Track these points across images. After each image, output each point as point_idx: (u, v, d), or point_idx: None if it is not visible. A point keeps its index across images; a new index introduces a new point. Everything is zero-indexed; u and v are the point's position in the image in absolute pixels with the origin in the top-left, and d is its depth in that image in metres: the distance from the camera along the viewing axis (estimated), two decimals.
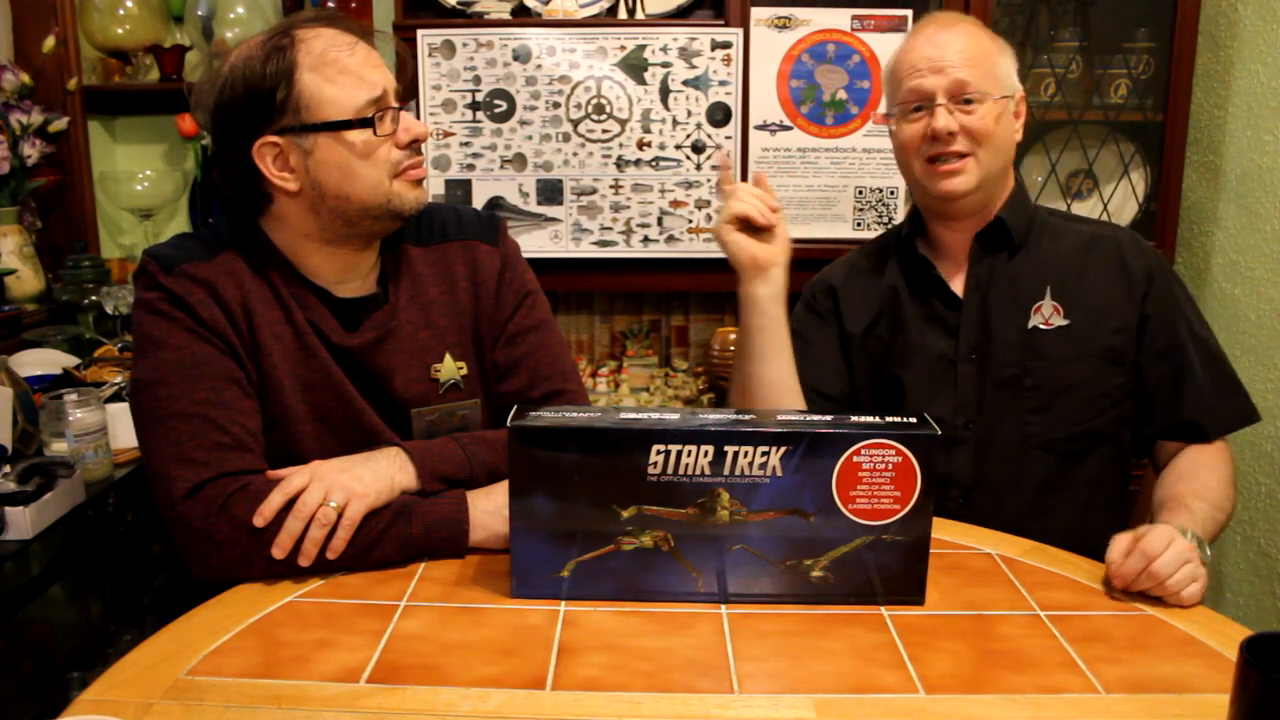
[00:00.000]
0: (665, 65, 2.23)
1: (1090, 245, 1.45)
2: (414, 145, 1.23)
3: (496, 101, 2.23)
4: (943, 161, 1.39)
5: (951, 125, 1.37)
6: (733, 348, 2.31)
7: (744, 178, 2.28)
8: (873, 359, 1.51)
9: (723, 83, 2.24)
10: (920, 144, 1.41)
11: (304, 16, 1.23)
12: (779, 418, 1.05)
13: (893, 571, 1.05)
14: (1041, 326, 1.42)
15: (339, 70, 1.18)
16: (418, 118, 1.28)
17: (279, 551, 1.09)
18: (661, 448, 1.01)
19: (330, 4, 2.45)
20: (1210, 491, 1.32)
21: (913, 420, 1.05)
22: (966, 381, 1.44)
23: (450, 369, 1.31)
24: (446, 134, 2.24)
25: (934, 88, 1.38)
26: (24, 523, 1.44)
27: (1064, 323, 1.41)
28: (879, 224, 2.31)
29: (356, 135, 1.19)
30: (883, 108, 1.52)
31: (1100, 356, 1.41)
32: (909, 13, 2.24)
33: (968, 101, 1.37)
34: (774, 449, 1.01)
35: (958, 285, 1.47)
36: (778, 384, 1.43)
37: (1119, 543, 1.10)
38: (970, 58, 1.38)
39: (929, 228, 1.50)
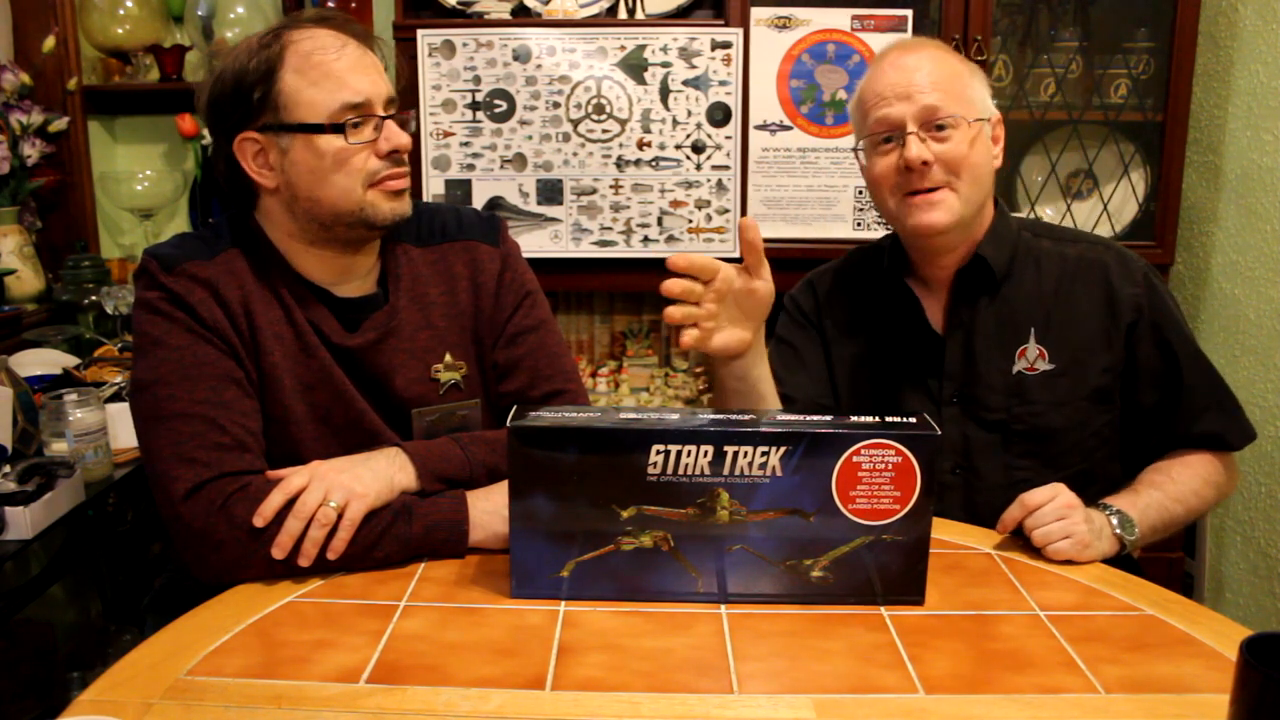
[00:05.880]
0: (665, 65, 2.23)
1: (1076, 273, 1.38)
2: (394, 155, 1.21)
3: (496, 101, 2.23)
4: (920, 194, 1.31)
5: (925, 154, 1.29)
6: None
7: (744, 178, 2.28)
8: (864, 400, 1.45)
9: (723, 83, 2.24)
10: (894, 178, 1.33)
11: (305, 16, 1.24)
12: (779, 418, 1.05)
13: (893, 571, 1.05)
14: (1026, 371, 1.36)
15: (322, 74, 1.18)
16: (414, 126, 1.26)
17: (279, 552, 1.09)
18: (661, 448, 1.01)
19: (330, 4, 2.44)
20: (1173, 484, 1.31)
21: (912, 420, 1.05)
22: (952, 425, 1.39)
23: (451, 370, 1.31)
24: (446, 134, 2.24)
25: (903, 115, 1.30)
26: (24, 523, 1.44)
27: (1049, 367, 1.36)
28: (879, 224, 2.31)
29: (329, 140, 1.18)
30: (852, 140, 1.42)
31: (1086, 399, 1.36)
32: (909, 13, 2.24)
33: (940, 128, 1.30)
34: (774, 449, 1.01)
35: (939, 322, 1.41)
36: None
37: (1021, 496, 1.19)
38: (939, 80, 1.31)
39: (911, 260, 1.43)
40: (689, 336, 1.22)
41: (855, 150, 1.41)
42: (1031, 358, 1.36)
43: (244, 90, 1.19)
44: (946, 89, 1.31)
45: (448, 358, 1.31)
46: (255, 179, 1.22)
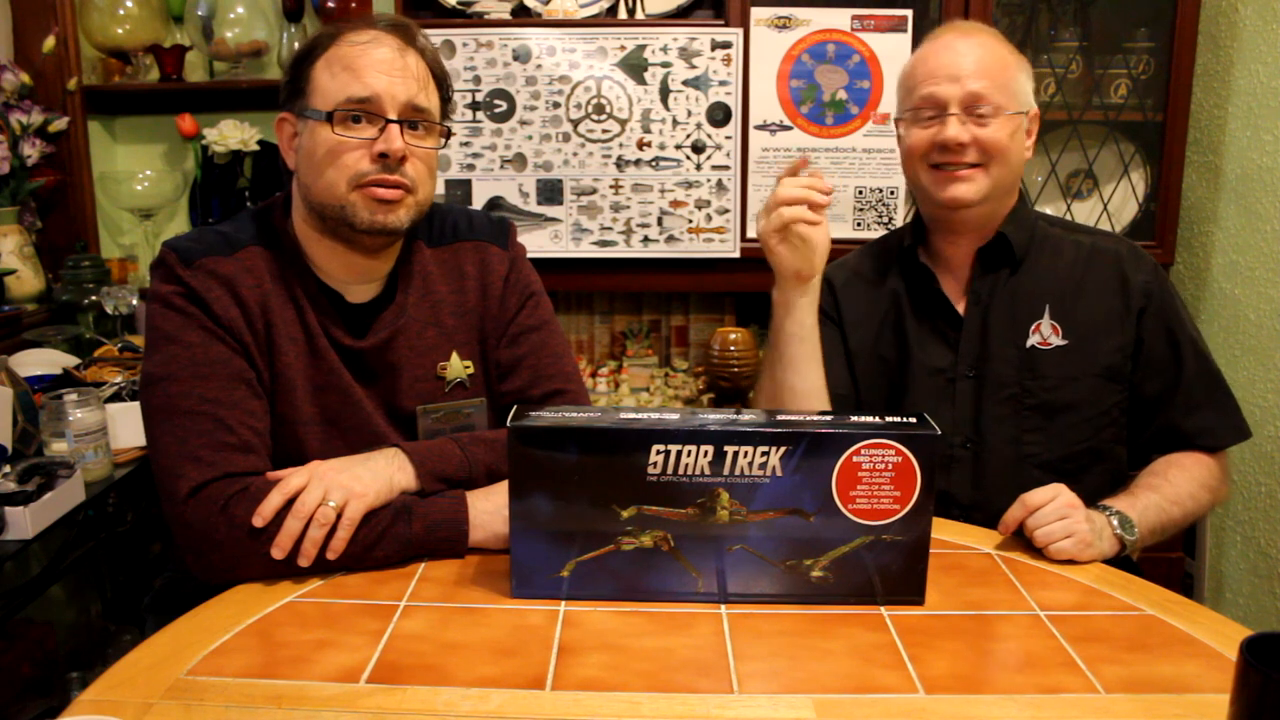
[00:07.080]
0: (665, 65, 2.23)
1: (1090, 259, 1.43)
2: (385, 162, 1.19)
3: (496, 101, 2.23)
4: (951, 169, 1.37)
5: (962, 136, 1.35)
6: (733, 347, 2.32)
7: (744, 178, 2.28)
8: (880, 379, 1.48)
9: (723, 83, 2.24)
10: (929, 151, 1.39)
11: (372, 17, 1.26)
12: (779, 418, 1.05)
13: (893, 571, 1.05)
14: (1039, 346, 1.40)
15: (342, 65, 1.20)
16: (438, 142, 1.26)
17: (278, 552, 1.09)
18: (661, 448, 1.01)
19: (330, 4, 2.44)
20: (1170, 487, 1.33)
21: (912, 420, 1.05)
22: (964, 399, 1.42)
23: (457, 368, 1.32)
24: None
25: (948, 96, 1.36)
26: (24, 523, 1.44)
27: (1062, 342, 1.40)
28: (879, 224, 2.31)
29: (326, 131, 1.19)
30: (893, 111, 1.49)
31: (1099, 375, 1.40)
32: (909, 13, 2.24)
33: (981, 115, 1.36)
34: (774, 449, 1.01)
35: (957, 299, 1.45)
36: (809, 394, 1.41)
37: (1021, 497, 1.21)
38: (988, 69, 1.36)
39: (931, 238, 1.48)
40: (795, 211, 1.32)
41: (896, 119, 1.46)
42: (1045, 333, 1.40)
43: (290, 72, 1.24)
44: (993, 78, 1.36)
45: (454, 355, 1.31)
46: (284, 154, 1.26)
